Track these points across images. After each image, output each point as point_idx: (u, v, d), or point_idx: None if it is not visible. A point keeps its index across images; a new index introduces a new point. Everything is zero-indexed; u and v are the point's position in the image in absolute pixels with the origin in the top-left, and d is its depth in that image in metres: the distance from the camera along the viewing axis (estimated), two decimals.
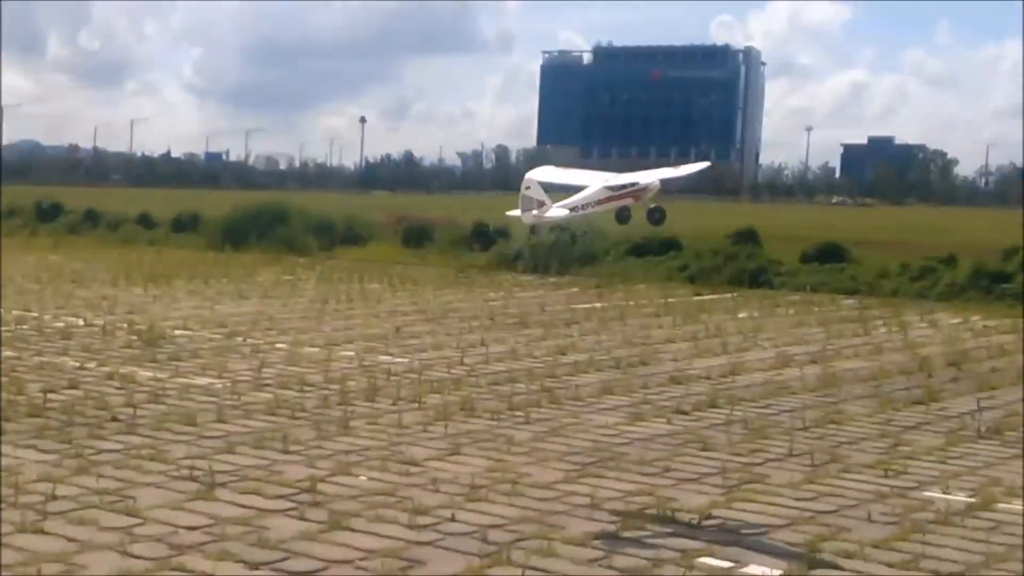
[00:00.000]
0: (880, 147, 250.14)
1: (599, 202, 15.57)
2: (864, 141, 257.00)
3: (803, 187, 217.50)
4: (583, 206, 15.41)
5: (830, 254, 42.41)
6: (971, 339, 27.81)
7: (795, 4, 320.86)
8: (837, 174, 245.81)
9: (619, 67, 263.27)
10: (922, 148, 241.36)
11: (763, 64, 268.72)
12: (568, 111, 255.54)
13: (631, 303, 34.08)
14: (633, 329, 28.13)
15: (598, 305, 33.30)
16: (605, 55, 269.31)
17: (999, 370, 22.95)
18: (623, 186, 15.52)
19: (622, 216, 16.30)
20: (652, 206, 15.45)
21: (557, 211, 14.84)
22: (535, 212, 14.74)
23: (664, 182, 15.62)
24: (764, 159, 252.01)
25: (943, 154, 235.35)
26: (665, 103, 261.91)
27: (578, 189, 15.49)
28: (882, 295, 37.32)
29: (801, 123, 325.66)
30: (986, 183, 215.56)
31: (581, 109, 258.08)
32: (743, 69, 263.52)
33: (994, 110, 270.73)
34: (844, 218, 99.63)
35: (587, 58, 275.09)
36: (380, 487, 13.13)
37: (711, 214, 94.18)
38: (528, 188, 14.83)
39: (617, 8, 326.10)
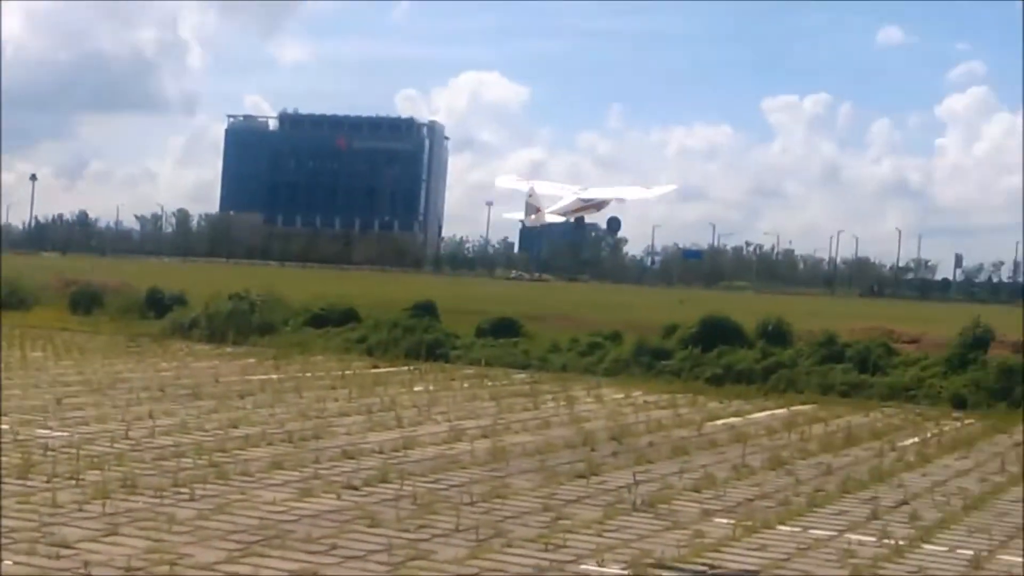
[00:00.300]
0: (557, 224, 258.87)
1: (575, 210, 18.84)
2: None
3: (484, 261, 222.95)
4: (565, 212, 18.69)
5: (505, 328, 43.61)
6: (632, 414, 29.13)
7: (477, 82, 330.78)
8: (516, 249, 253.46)
9: (305, 134, 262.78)
10: (595, 227, 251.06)
11: (447, 138, 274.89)
12: (252, 176, 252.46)
13: (308, 375, 33.82)
14: (308, 402, 27.91)
15: (274, 376, 32.87)
16: (291, 121, 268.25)
17: (656, 444, 24.14)
18: (593, 199, 18.93)
19: (579, 223, 20.49)
20: (610, 216, 19.73)
21: (551, 216, 18.32)
22: (534, 216, 18.10)
23: (629, 201, 19.54)
24: (447, 232, 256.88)
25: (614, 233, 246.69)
26: (350, 172, 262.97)
27: (550, 199, 18.69)
28: (553, 369, 38.63)
29: (483, 198, 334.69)
30: (652, 262, 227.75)
31: (266, 175, 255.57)
32: (427, 142, 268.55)
33: (658, 193, 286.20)
34: (521, 292, 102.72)
35: (273, 124, 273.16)
36: (26, 572, 12.40)
37: (393, 285, 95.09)
38: (531, 196, 18.15)
39: (304, 75, 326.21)
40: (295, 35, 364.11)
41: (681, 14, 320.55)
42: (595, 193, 19.41)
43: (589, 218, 20.45)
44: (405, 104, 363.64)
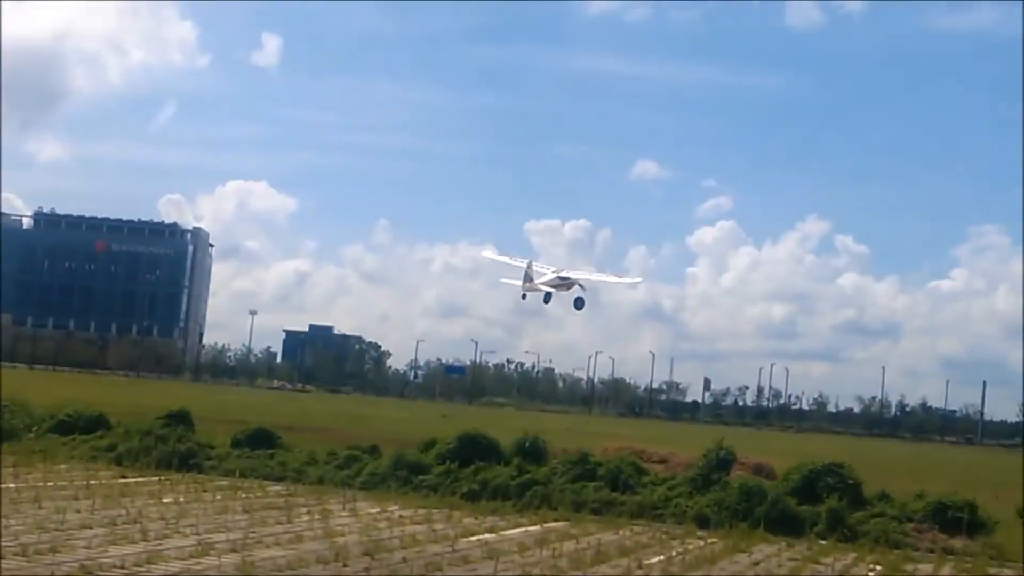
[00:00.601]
0: (320, 335, 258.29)
1: (553, 285, 25.53)
2: (306, 328, 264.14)
3: (246, 370, 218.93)
4: (547, 285, 25.43)
5: (261, 439, 42.79)
6: (387, 528, 28.93)
7: (244, 191, 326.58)
8: (279, 359, 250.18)
9: (61, 235, 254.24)
10: (359, 339, 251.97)
11: (211, 245, 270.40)
12: (2, 276, 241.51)
13: (49, 484, 32.30)
14: (47, 512, 26.62)
15: (11, 485, 31.25)
16: (47, 221, 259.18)
17: (409, 560, 24.04)
18: (567, 278, 26.13)
19: (547, 298, 27.22)
20: (577, 296, 26.66)
21: (540, 286, 24.62)
22: (528, 284, 24.40)
23: (595, 282, 26.93)
24: (208, 339, 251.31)
25: (378, 346, 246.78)
26: (109, 276, 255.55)
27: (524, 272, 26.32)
28: (309, 482, 38.07)
29: (246, 306, 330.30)
30: (415, 376, 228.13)
31: (17, 274, 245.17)
32: (191, 248, 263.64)
33: (423, 308, 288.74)
34: (282, 403, 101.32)
35: (27, 222, 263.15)
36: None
37: (148, 392, 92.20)
38: (529, 267, 24.97)
39: (62, 175, 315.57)
40: (54, 133, 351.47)
41: (445, 136, 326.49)
42: (569, 274, 27.10)
43: (547, 295, 28.26)
44: (169, 209, 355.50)
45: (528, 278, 27.53)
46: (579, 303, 29.23)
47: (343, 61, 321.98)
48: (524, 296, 29.37)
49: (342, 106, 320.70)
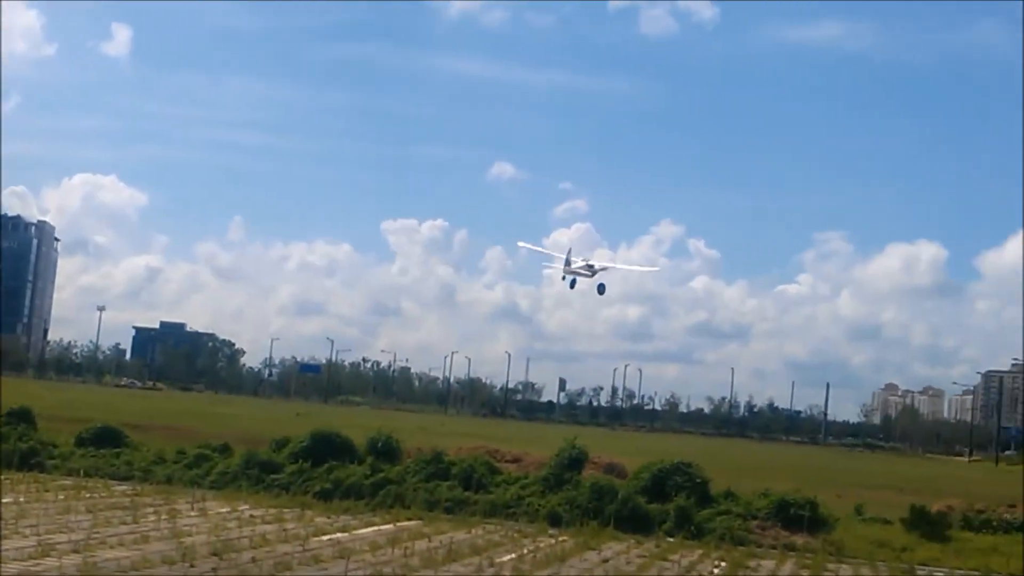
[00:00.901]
0: (172, 332, 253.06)
1: (586, 270, 32.86)
2: (157, 325, 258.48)
3: (93, 367, 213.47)
4: (581, 269, 32.68)
5: (107, 438, 41.81)
6: (237, 528, 28.50)
7: (93, 185, 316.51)
8: (128, 356, 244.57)
9: None
10: (212, 336, 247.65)
11: (57, 239, 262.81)
12: None
13: None
14: None
15: None
16: None
17: (258, 560, 23.71)
18: (593, 266, 33.26)
19: (573, 283, 34.38)
20: (600, 283, 34.37)
21: (578, 270, 31.64)
22: (568, 267, 30.50)
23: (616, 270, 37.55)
24: (53, 335, 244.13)
25: (231, 344, 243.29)
26: None
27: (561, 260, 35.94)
28: (157, 481, 37.30)
29: (94, 302, 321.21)
30: (269, 374, 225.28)
31: None
32: (35, 242, 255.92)
33: (278, 306, 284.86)
34: (130, 401, 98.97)
35: None
36: None
37: None
38: (569, 255, 31.76)
39: None
40: None
41: (301, 133, 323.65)
42: (595, 262, 34.60)
43: (581, 278, 34.96)
44: (12, 201, 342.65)
45: (568, 263, 34.76)
46: (601, 288, 36.49)
47: (197, 55, 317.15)
48: (564, 277, 36.70)
49: (195, 100, 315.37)
